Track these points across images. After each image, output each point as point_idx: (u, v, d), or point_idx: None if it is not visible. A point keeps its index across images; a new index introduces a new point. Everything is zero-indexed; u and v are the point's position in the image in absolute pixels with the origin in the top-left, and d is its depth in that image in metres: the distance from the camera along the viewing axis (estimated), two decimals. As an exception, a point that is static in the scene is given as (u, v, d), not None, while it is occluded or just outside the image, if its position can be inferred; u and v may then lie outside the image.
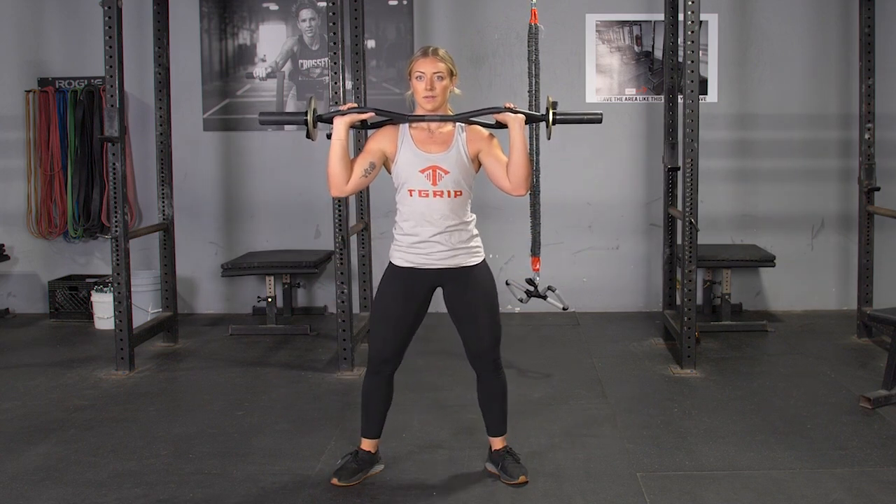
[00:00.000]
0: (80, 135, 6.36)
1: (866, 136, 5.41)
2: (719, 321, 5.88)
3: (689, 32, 4.70)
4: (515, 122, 3.21)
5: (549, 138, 3.40)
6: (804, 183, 6.41)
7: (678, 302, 5.50)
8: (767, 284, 6.48)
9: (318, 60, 6.46)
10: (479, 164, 3.29)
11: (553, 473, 3.45)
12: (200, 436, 3.92)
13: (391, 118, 3.31)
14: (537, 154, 4.92)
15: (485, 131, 3.30)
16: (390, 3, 6.39)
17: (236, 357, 5.35)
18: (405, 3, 6.38)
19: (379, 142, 3.28)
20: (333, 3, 4.72)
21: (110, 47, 4.75)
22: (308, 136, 3.32)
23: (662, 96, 5.89)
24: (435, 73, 3.21)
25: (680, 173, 5.49)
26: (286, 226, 6.52)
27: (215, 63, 6.48)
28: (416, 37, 6.39)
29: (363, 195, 5.51)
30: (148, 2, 5.58)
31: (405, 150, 3.25)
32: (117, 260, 4.90)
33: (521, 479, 3.34)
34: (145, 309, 5.94)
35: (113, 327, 5.03)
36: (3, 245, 6.47)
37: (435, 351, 5.22)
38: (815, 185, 6.41)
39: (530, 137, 4.94)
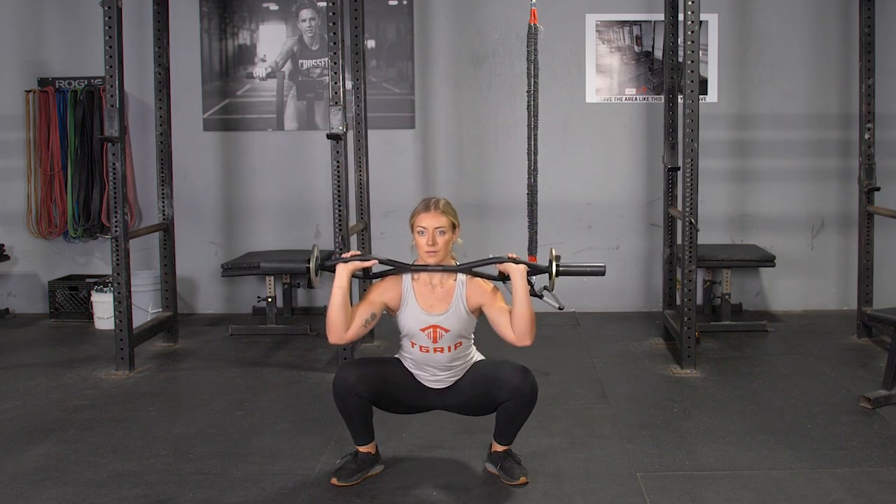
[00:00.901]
0: (80, 135, 6.36)
1: (866, 136, 5.41)
2: (719, 321, 5.88)
3: (689, 32, 4.70)
4: (517, 272, 3.24)
5: (551, 290, 3.44)
6: (804, 183, 6.41)
7: (678, 302, 5.50)
8: (767, 284, 6.48)
9: (318, 60, 6.46)
10: (481, 312, 3.33)
11: (553, 473, 3.45)
12: (200, 436, 3.92)
13: (394, 268, 3.32)
14: (536, 154, 4.92)
15: (488, 285, 3.32)
16: (390, 3, 6.39)
17: (236, 357, 5.35)
18: (405, 3, 6.38)
19: (382, 294, 3.30)
20: (333, 3, 4.71)
21: (110, 47, 4.74)
22: (310, 285, 3.34)
23: (662, 96, 5.89)
24: (437, 227, 3.23)
25: (680, 173, 5.49)
26: (286, 226, 6.52)
27: (215, 63, 6.48)
28: (416, 37, 6.39)
29: (363, 195, 5.51)
30: (148, 2, 5.59)
31: (408, 307, 3.29)
32: (117, 260, 4.90)
33: (522, 479, 3.34)
34: (145, 309, 5.94)
35: (113, 327, 5.03)
36: (3, 245, 6.47)
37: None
38: (815, 185, 6.41)
39: (528, 137, 4.94)
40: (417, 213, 3.26)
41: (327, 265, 3.31)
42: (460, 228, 3.35)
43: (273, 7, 6.45)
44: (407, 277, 3.31)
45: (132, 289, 5.15)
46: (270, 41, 6.47)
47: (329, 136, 4.71)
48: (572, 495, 3.26)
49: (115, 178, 4.86)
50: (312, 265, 3.30)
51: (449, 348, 3.29)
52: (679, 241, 5.42)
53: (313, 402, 4.41)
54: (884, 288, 6.03)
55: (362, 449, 3.41)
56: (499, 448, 3.43)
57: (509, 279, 3.28)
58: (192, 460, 3.63)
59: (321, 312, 6.49)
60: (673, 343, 5.33)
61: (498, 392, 3.27)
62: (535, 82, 4.79)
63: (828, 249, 6.45)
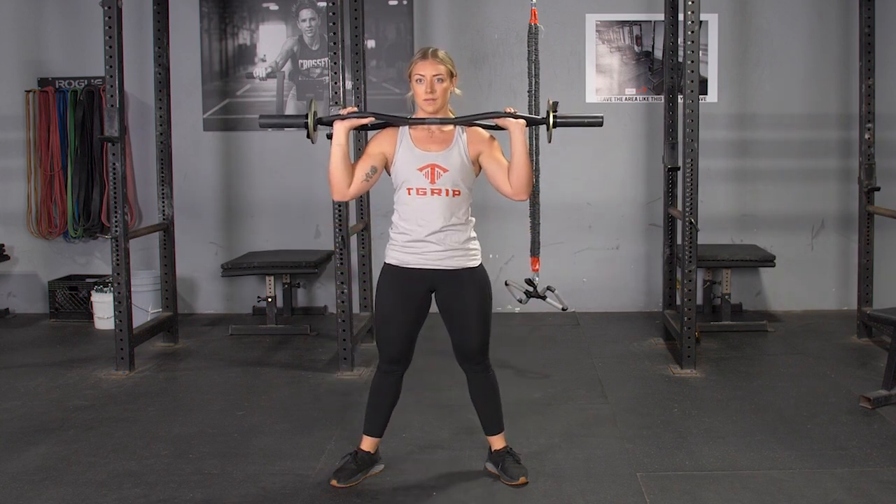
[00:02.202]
0: (80, 135, 6.36)
1: (866, 136, 5.41)
2: (719, 321, 5.88)
3: (689, 32, 4.70)
4: (516, 126, 3.19)
5: (549, 141, 3.38)
6: (804, 183, 6.41)
7: (678, 302, 5.50)
8: (767, 284, 6.48)
9: (318, 60, 6.46)
10: (480, 168, 3.28)
11: (553, 473, 3.45)
12: (200, 436, 3.92)
13: (391, 122, 3.30)
14: (537, 154, 4.93)
15: (486, 133, 3.29)
16: (390, 3, 6.39)
17: (236, 357, 5.35)
18: (405, 3, 6.38)
19: (379, 144, 3.27)
20: (333, 3, 4.71)
21: (110, 47, 4.75)
22: (308, 137, 3.31)
23: (662, 96, 5.89)
24: (435, 75, 3.19)
25: (680, 173, 5.49)
26: (286, 226, 6.51)
27: (215, 63, 6.48)
28: (416, 37, 6.39)
29: (363, 195, 5.51)
30: (148, 2, 5.59)
31: (404, 148, 3.24)
32: (117, 260, 4.90)
33: (522, 479, 3.34)
34: (145, 309, 5.94)
35: (113, 327, 5.03)
36: (3, 245, 6.47)
37: (435, 351, 5.21)
38: (815, 185, 6.41)
39: (530, 138, 4.94)
40: (415, 62, 3.23)
41: (325, 120, 3.28)
42: (458, 78, 3.31)
43: (273, 7, 6.45)
44: (404, 127, 3.27)
45: (132, 289, 5.16)
46: (270, 41, 6.47)
47: (329, 137, 4.70)
48: (572, 495, 3.26)
49: (115, 178, 4.86)
50: (310, 119, 3.26)
51: (447, 192, 3.20)
52: (679, 241, 5.42)
53: (313, 402, 4.41)
54: (884, 288, 6.03)
55: (365, 445, 3.41)
56: (498, 446, 3.42)
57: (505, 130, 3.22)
58: (192, 460, 3.63)
59: (321, 312, 6.50)
60: (673, 343, 5.33)
61: (453, 342, 3.33)
62: (535, 82, 4.80)
63: (828, 249, 6.45)
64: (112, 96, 4.77)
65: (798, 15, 6.33)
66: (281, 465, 3.58)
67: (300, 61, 6.48)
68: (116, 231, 4.88)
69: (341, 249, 4.81)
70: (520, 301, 5.02)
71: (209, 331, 6.03)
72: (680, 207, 5.22)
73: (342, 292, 4.83)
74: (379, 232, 6.17)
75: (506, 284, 5.07)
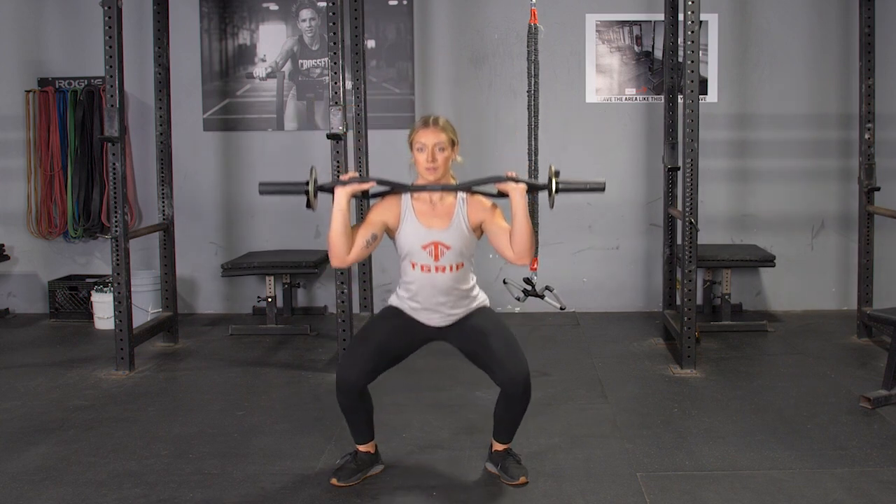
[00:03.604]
0: (80, 135, 6.36)
1: (866, 136, 5.41)
2: (719, 321, 5.88)
3: (689, 32, 4.70)
4: (517, 191, 3.18)
5: (551, 207, 3.35)
6: (804, 183, 6.41)
7: (678, 302, 5.50)
8: (767, 284, 6.48)
9: (318, 60, 6.46)
10: (482, 232, 3.29)
11: (553, 473, 3.45)
12: (200, 436, 3.92)
13: (393, 188, 3.28)
14: (536, 154, 4.93)
15: (487, 202, 3.28)
16: (390, 3, 6.39)
17: (236, 357, 5.35)
18: (405, 3, 6.38)
19: (381, 214, 3.27)
20: (333, 3, 4.72)
21: (110, 47, 4.75)
22: (308, 206, 3.26)
23: (662, 96, 5.89)
24: (436, 144, 3.19)
25: (680, 173, 5.49)
26: (286, 226, 6.52)
27: (215, 63, 6.48)
28: (416, 37, 6.39)
29: (363, 195, 5.49)
30: (148, 2, 5.59)
31: (408, 223, 3.24)
32: (117, 260, 4.90)
33: (522, 479, 3.34)
34: (145, 309, 5.94)
35: (113, 327, 5.03)
36: (3, 245, 6.47)
37: (435, 351, 5.21)
38: (815, 185, 6.41)
39: (528, 137, 4.95)
40: (416, 130, 3.22)
41: (326, 186, 3.26)
42: (459, 146, 3.31)
43: (273, 7, 6.45)
44: (406, 196, 3.27)
45: (132, 289, 5.16)
46: (270, 41, 6.47)
47: (329, 137, 4.72)
48: (572, 495, 3.26)
49: (115, 178, 4.87)
50: (311, 187, 3.24)
51: (451, 268, 3.23)
52: (679, 241, 5.42)
53: (313, 402, 4.41)
54: (884, 288, 6.04)
55: (362, 448, 3.41)
56: (499, 447, 3.43)
57: (508, 197, 3.20)
58: (192, 460, 3.63)
59: (321, 312, 6.50)
60: (673, 343, 5.33)
61: (492, 372, 3.24)
62: (535, 82, 4.80)
63: (828, 249, 6.45)
64: (112, 96, 4.77)
65: (798, 15, 6.33)
66: (281, 465, 3.58)
67: (300, 61, 6.48)
68: (116, 231, 4.88)
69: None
70: (518, 299, 5.03)
71: (209, 331, 6.03)
72: (680, 207, 5.22)
73: (342, 292, 4.83)
74: (379, 232, 6.17)
75: (504, 283, 5.07)
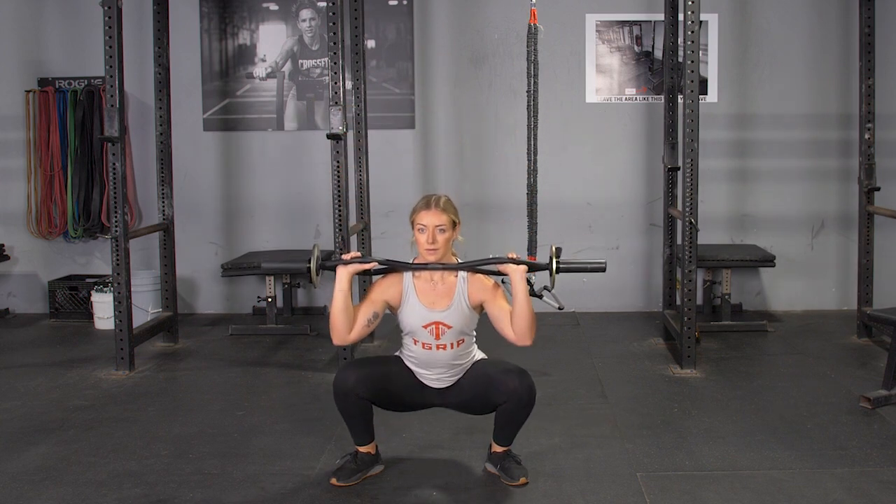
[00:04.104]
0: (80, 135, 6.36)
1: (866, 136, 5.41)
2: (719, 321, 5.88)
3: (689, 32, 4.70)
4: (517, 273, 3.22)
5: (552, 288, 3.41)
6: (804, 183, 6.41)
7: (678, 302, 5.50)
8: (767, 284, 6.48)
9: (318, 60, 6.46)
10: (483, 309, 3.32)
11: (553, 473, 3.45)
12: (200, 436, 3.92)
13: (394, 268, 3.31)
14: (536, 154, 4.91)
15: (489, 281, 3.31)
16: (390, 3, 6.39)
17: (236, 357, 5.35)
18: (405, 3, 6.38)
19: (383, 292, 3.30)
20: (333, 3, 4.71)
21: (110, 47, 4.75)
22: (311, 282, 3.34)
23: (662, 96, 5.89)
24: (437, 226, 3.21)
25: (680, 173, 5.49)
26: (286, 226, 6.52)
27: (215, 63, 6.48)
28: (416, 37, 6.39)
29: (363, 195, 5.51)
30: (148, 2, 5.59)
31: (409, 304, 3.28)
32: (117, 260, 4.90)
33: (522, 480, 3.34)
34: (145, 309, 5.94)
35: (113, 327, 5.03)
36: (3, 245, 6.47)
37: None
38: (815, 185, 6.41)
39: (528, 137, 4.94)
40: (418, 211, 3.25)
41: (328, 265, 3.31)
42: (461, 226, 3.34)
43: (273, 7, 6.45)
44: (408, 275, 3.31)
45: (132, 289, 5.16)
46: (270, 41, 6.47)
47: (329, 136, 4.71)
48: (572, 495, 3.26)
49: (115, 178, 4.86)
50: (313, 266, 3.30)
51: (452, 345, 3.28)
52: (679, 241, 5.42)
53: (313, 402, 4.41)
54: (884, 288, 6.03)
55: (362, 449, 3.41)
56: (498, 449, 3.43)
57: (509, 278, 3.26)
58: (192, 460, 3.63)
59: (321, 312, 6.50)
60: (673, 343, 5.33)
61: (496, 394, 3.26)
62: (535, 82, 4.79)
63: (828, 249, 6.45)
64: (112, 96, 4.77)
65: (798, 15, 6.33)
66: (281, 465, 3.58)
67: (300, 61, 6.48)
68: (116, 231, 4.88)
69: (341, 249, 4.81)
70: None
71: (209, 331, 6.03)
72: (680, 207, 5.22)
73: (342, 292, 4.82)
74: (379, 231, 6.18)
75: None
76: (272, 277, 5.99)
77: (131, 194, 6.39)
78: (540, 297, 5.07)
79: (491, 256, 3.30)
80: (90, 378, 4.86)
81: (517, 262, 3.24)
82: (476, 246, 5.62)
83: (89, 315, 6.28)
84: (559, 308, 5.04)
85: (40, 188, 6.44)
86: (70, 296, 6.39)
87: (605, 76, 6.40)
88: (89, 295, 6.26)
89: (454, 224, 3.28)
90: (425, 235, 3.21)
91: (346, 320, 3.21)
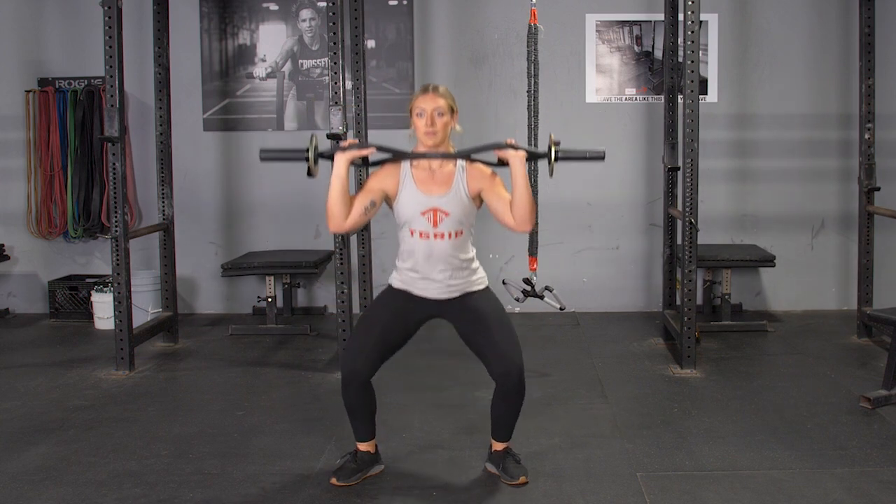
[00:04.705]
0: (80, 135, 6.36)
1: (866, 136, 5.41)
2: (719, 321, 5.88)
3: (689, 32, 4.70)
4: (517, 158, 3.19)
5: (551, 175, 3.36)
6: (804, 183, 6.41)
7: (678, 302, 5.50)
8: (767, 284, 6.48)
9: (318, 60, 6.46)
10: (481, 201, 3.29)
11: (553, 473, 3.46)
12: (200, 436, 3.92)
13: (392, 155, 3.29)
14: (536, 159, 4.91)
15: (487, 169, 3.29)
16: (390, 3, 6.39)
17: (236, 357, 5.35)
18: (405, 3, 6.38)
19: (380, 181, 3.28)
20: (333, 3, 4.72)
21: (110, 47, 4.75)
22: (309, 173, 3.29)
23: (662, 96, 5.89)
24: (435, 109, 3.20)
25: (680, 173, 5.49)
26: (286, 226, 6.52)
27: (215, 63, 6.48)
28: (416, 37, 6.39)
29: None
30: (148, 2, 5.59)
31: (407, 190, 3.25)
32: (117, 260, 4.90)
33: (522, 479, 3.34)
34: (145, 309, 5.94)
35: (113, 327, 5.03)
36: (3, 245, 6.47)
37: (435, 351, 5.22)
38: (815, 185, 6.41)
39: (528, 137, 4.94)
40: (416, 96, 3.24)
41: (326, 154, 3.27)
42: (458, 115, 3.31)
43: (273, 7, 6.45)
44: (405, 164, 3.27)
45: (132, 289, 5.16)
46: (270, 41, 6.47)
47: (329, 137, 4.72)
48: (572, 495, 3.26)
49: (115, 178, 4.87)
50: (311, 154, 3.25)
51: (450, 235, 3.23)
52: (679, 241, 5.42)
53: (313, 402, 4.41)
54: (884, 288, 6.03)
55: (362, 447, 3.41)
56: (498, 447, 3.43)
57: (508, 165, 3.21)
58: (192, 460, 3.63)
59: (321, 312, 6.50)
60: (673, 343, 5.33)
61: (487, 360, 3.24)
62: (535, 82, 4.80)
63: (828, 249, 6.45)
64: (112, 96, 4.77)
65: (798, 15, 6.33)
66: (281, 465, 3.58)
67: (300, 61, 6.48)
68: (116, 231, 4.88)
69: (341, 249, 4.81)
70: (517, 300, 5.03)
71: (209, 331, 6.03)
72: (680, 207, 5.22)
73: (342, 292, 4.83)
74: (379, 231, 6.18)
75: (503, 283, 5.07)
76: (272, 277, 5.99)
77: (131, 194, 6.39)
78: (541, 297, 5.09)
79: (489, 143, 3.26)
80: (90, 378, 4.86)
81: (516, 147, 3.20)
82: (477, 245, 5.61)
83: (89, 315, 6.28)
84: (560, 308, 5.06)
85: (40, 188, 6.44)
86: (70, 296, 6.39)
87: (605, 76, 6.40)
88: (89, 295, 6.26)
89: (452, 110, 3.25)
90: (423, 119, 3.19)
91: (343, 207, 3.19)
